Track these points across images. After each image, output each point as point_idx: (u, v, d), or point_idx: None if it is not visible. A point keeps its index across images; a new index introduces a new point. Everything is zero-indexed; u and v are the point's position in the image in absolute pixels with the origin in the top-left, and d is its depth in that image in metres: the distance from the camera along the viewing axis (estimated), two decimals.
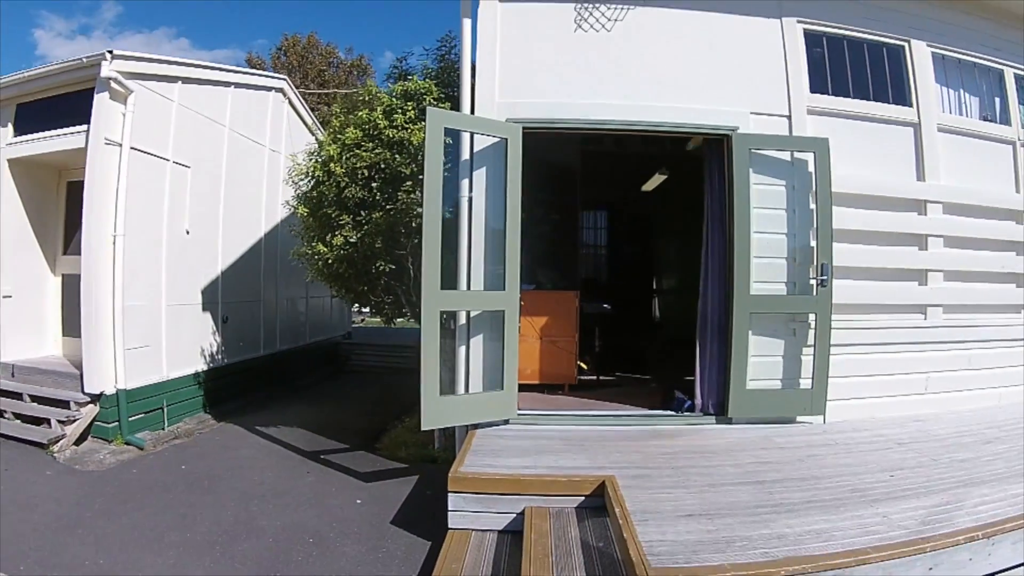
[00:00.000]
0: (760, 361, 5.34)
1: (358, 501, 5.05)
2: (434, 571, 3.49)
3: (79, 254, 7.78)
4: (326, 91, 23.95)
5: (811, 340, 5.36)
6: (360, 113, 6.15)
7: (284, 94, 10.28)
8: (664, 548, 2.94)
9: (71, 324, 8.11)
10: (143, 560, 4.05)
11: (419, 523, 4.48)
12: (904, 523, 3.28)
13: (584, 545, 3.40)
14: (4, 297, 7.61)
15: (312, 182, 6.53)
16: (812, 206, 5.37)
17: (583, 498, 3.86)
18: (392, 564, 3.96)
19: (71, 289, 8.07)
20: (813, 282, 5.32)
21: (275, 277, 10.32)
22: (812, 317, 5.34)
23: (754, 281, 5.25)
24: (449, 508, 3.96)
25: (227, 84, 8.67)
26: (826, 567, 2.83)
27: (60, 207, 8.23)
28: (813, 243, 5.36)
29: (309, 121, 11.09)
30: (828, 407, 5.42)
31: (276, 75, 10.36)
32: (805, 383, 5.38)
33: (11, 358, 7.60)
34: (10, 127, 7.74)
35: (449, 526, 3.93)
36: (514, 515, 3.88)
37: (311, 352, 11.70)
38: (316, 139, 9.02)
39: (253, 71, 10.81)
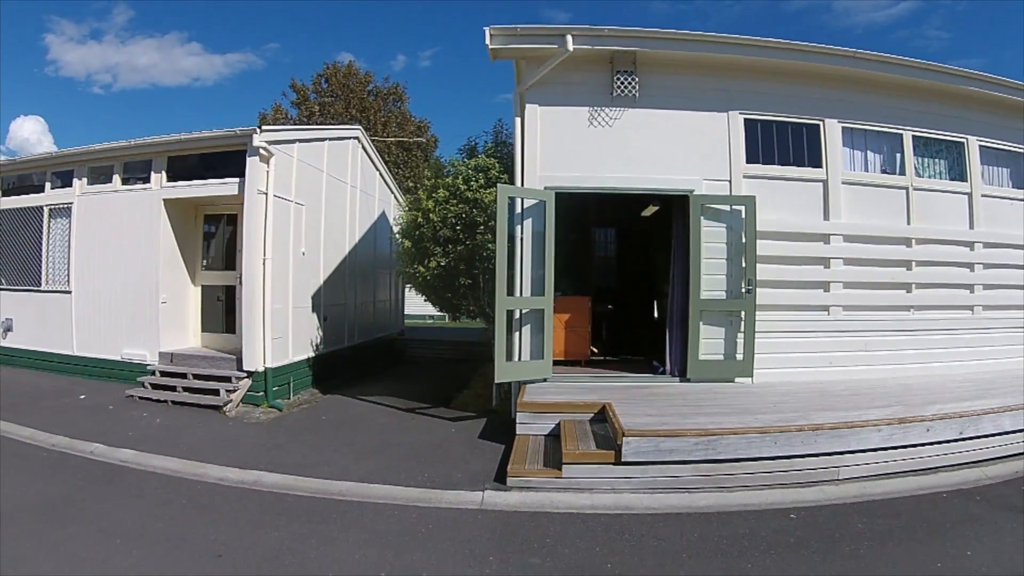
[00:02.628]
0: (708, 341, 8.90)
1: (452, 430, 8.60)
2: (512, 450, 6.98)
3: (214, 269, 11.40)
4: (387, 138, 28.37)
5: (743, 328, 8.88)
6: (447, 179, 9.84)
7: (359, 140, 13.93)
8: (633, 425, 6.43)
9: (207, 322, 11.65)
10: (334, 458, 7.42)
11: (495, 438, 7.99)
12: (765, 422, 6.70)
13: (594, 433, 6.94)
14: (161, 303, 11.03)
15: (414, 224, 10.22)
16: (743, 241, 8.86)
17: (592, 414, 7.43)
18: (485, 453, 7.43)
19: (208, 296, 11.61)
20: (743, 290, 8.80)
21: (355, 285, 14.00)
22: (743, 313, 8.86)
23: (703, 289, 8.81)
24: (516, 422, 7.55)
25: (323, 139, 12.30)
26: (710, 433, 6.29)
27: (199, 234, 11.73)
28: (743, 265, 8.85)
29: (375, 159, 14.82)
30: (756, 373, 8.93)
31: (352, 126, 14.02)
32: (740, 356, 8.89)
33: (167, 348, 10.99)
34: (163, 174, 11.13)
35: (517, 433, 7.48)
36: (553, 424, 7.44)
37: (377, 345, 15.48)
38: (398, 199, 12.74)
39: (339, 126, 14.43)
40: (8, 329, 12.39)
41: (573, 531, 5.38)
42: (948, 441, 6.98)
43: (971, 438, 7.08)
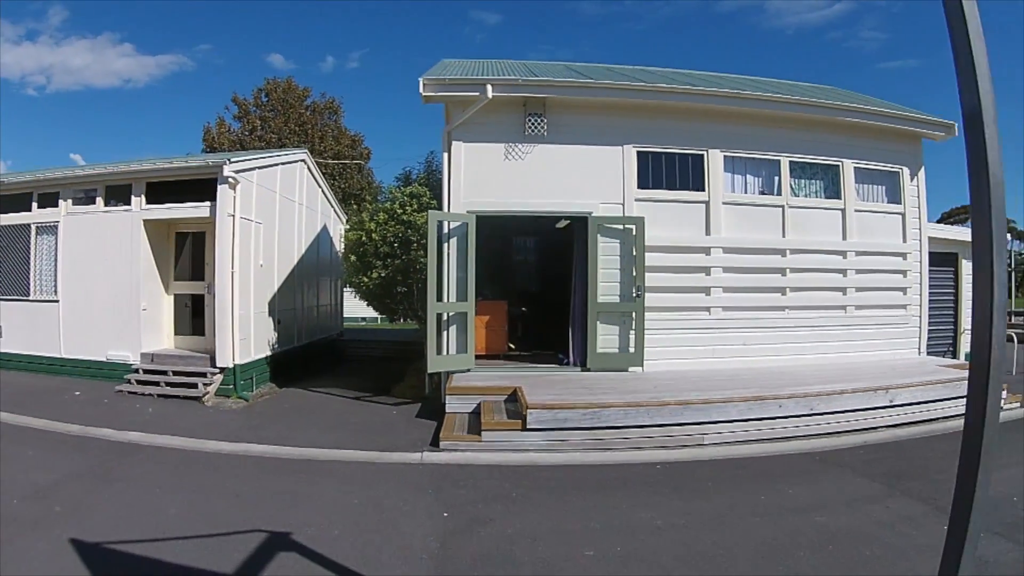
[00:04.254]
0: (605, 337, 11.30)
1: (394, 412, 10.86)
2: (442, 425, 9.25)
3: (183, 279, 13.46)
4: (331, 161, 31.15)
5: (634, 326, 11.29)
6: (387, 204, 12.19)
7: (305, 163, 16.20)
8: (535, 401, 8.72)
9: (179, 326, 13.61)
10: (303, 433, 9.46)
11: (429, 417, 10.23)
12: (642, 399, 9.01)
13: (507, 409, 9.29)
14: (142, 310, 12.90)
15: (358, 242, 12.59)
16: (634, 254, 11.25)
17: (506, 396, 9.74)
18: (421, 427, 9.66)
19: (179, 303, 13.60)
20: (634, 295, 11.22)
21: (302, 291, 16.21)
22: (633, 314, 11.28)
23: (600, 294, 11.21)
24: (446, 403, 9.85)
25: (276, 164, 14.44)
26: (596, 406, 8.62)
27: (171, 249, 13.63)
28: (634, 274, 11.25)
29: (318, 178, 17.16)
30: (647, 364, 11.29)
31: (299, 150, 16.31)
32: (632, 349, 11.30)
33: (148, 349, 12.84)
34: (143, 198, 12.94)
35: (446, 411, 9.75)
36: (475, 404, 9.71)
37: (321, 345, 17.75)
38: (337, 213, 15.14)
39: (289, 151, 16.45)
40: None
41: (489, 475, 7.62)
42: (800, 416, 9.11)
43: (821, 413, 9.20)
